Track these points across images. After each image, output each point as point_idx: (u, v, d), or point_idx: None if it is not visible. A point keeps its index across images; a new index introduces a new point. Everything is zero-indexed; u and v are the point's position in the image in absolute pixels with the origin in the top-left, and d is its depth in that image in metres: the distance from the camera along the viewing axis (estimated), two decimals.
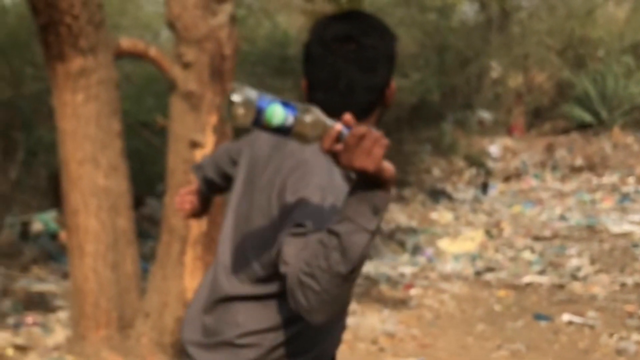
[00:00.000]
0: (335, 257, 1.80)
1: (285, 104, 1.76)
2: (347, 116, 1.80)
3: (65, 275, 8.26)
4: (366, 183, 1.83)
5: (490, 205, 14.04)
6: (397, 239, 11.96)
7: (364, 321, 7.66)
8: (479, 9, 17.89)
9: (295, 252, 1.92)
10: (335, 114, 1.89)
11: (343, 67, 2.09)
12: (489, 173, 15.56)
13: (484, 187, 15.08)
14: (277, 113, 1.74)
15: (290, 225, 1.98)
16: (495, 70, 18.09)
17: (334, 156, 1.80)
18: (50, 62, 5.58)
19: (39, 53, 9.42)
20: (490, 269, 10.01)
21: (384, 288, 9.19)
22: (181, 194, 2.77)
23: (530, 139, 17.81)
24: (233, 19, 6.10)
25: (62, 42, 5.37)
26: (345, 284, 1.83)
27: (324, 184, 2.06)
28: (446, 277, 9.73)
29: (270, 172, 2.19)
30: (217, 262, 2.33)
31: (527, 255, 10.66)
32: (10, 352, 6.35)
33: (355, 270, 1.82)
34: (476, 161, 15.67)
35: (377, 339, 7.24)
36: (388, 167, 1.82)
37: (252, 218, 2.20)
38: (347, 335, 7.20)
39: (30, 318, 7.23)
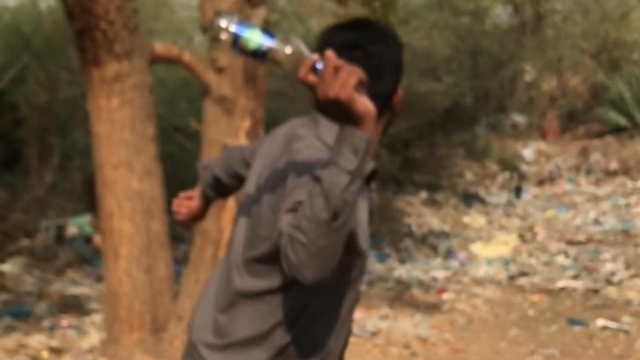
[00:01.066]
0: (318, 204, 1.81)
1: (266, 32, 1.82)
2: (329, 52, 1.82)
3: (99, 279, 8.32)
4: (345, 121, 1.84)
5: (523, 209, 13.95)
6: (429, 243, 11.94)
7: (396, 325, 7.65)
8: (512, 12, 17.80)
9: (288, 220, 1.93)
10: (340, 120, 1.94)
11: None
12: (522, 177, 15.46)
13: (518, 191, 14.99)
14: (255, 38, 1.79)
15: (288, 205, 1.98)
16: (529, 73, 17.98)
17: (310, 88, 1.83)
18: (85, 67, 5.63)
19: (75, 58, 9.51)
20: (523, 274, 9.96)
21: (416, 292, 9.17)
22: (180, 197, 2.78)
23: (564, 143, 17.68)
24: (266, 24, 6.13)
25: (97, 47, 5.43)
26: (331, 234, 1.82)
27: None
28: (479, 282, 9.69)
29: (278, 170, 2.20)
30: (230, 261, 2.35)
31: (561, 259, 10.59)
32: (45, 354, 6.42)
33: (338, 216, 1.81)
34: (509, 165, 15.58)
35: (410, 343, 7.23)
36: (364, 100, 1.83)
37: (262, 215, 2.21)
38: (379, 340, 7.21)
39: (65, 321, 7.29)
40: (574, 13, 18.07)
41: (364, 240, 2.11)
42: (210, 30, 1.86)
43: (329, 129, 2.14)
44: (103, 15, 5.32)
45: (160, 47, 6.13)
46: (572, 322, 7.87)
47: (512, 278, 9.81)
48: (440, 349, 7.15)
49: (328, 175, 1.82)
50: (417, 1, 16.95)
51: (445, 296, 8.96)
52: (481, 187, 15.33)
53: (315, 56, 1.83)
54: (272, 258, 2.13)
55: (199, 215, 2.79)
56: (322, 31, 2.28)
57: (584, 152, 16.60)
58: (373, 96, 2.04)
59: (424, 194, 14.49)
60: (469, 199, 14.53)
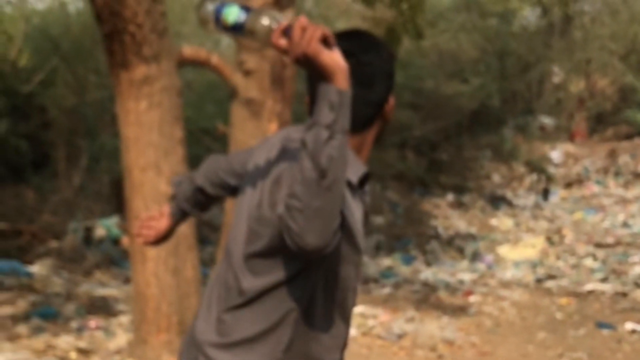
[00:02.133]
0: (306, 165, 1.88)
1: (244, 8, 1.95)
2: (302, 19, 1.89)
3: (127, 280, 8.38)
4: (318, 79, 1.90)
5: (551, 212, 13.88)
6: (456, 245, 11.91)
7: (422, 328, 7.63)
8: (541, 14, 17.71)
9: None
10: None
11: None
12: (550, 179, 15.38)
13: (545, 193, 14.92)
14: (232, 12, 1.94)
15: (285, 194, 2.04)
16: (557, 75, 17.89)
17: (283, 53, 1.92)
18: (114, 70, 5.66)
19: (103, 61, 9.55)
20: (551, 276, 9.91)
21: (443, 295, 9.15)
22: (142, 218, 2.76)
23: (592, 145, 17.57)
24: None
25: (126, 50, 5.45)
26: (323, 193, 1.88)
27: None
28: (506, 284, 9.65)
29: (276, 174, 2.24)
30: (230, 264, 2.36)
31: (589, 262, 10.53)
32: (73, 355, 6.46)
33: (326, 173, 1.87)
34: (537, 167, 15.51)
35: (436, 346, 7.21)
36: (331, 53, 1.88)
37: (262, 217, 2.23)
38: (405, 342, 7.20)
39: (93, 322, 7.34)
40: (603, 14, 17.96)
41: (360, 239, 2.17)
42: (197, 14, 2.00)
43: None
44: (131, 19, 5.34)
45: (188, 50, 6.15)
46: (601, 325, 7.81)
47: (539, 281, 9.77)
48: (467, 351, 7.13)
49: (310, 136, 1.89)
50: (445, 3, 16.94)
51: (472, 299, 8.94)
52: (508, 189, 15.26)
53: (284, 22, 1.91)
54: (271, 252, 2.19)
55: (166, 236, 2.77)
56: None
57: (613, 154, 16.48)
58: (365, 104, 2.20)
59: (450, 196, 14.46)
60: (496, 201, 14.48)
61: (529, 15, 17.76)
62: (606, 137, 18.15)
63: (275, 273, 2.21)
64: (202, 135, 11.38)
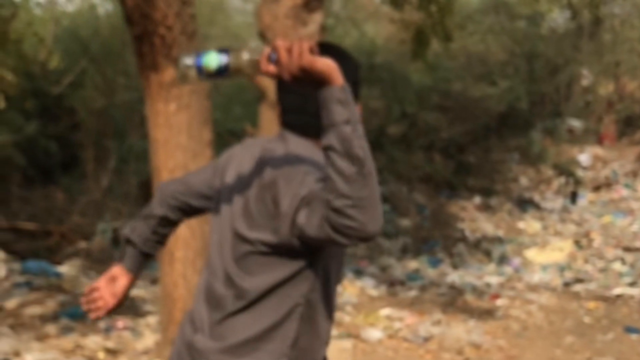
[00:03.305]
0: (343, 165, 1.96)
1: (221, 50, 1.98)
2: (278, 41, 1.99)
3: (154, 281, 8.42)
4: (316, 88, 2.00)
5: (579, 215, 13.79)
6: (483, 248, 11.87)
7: (449, 331, 7.61)
8: (570, 16, 17.61)
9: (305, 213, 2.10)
10: (308, 135, 2.31)
11: (312, 93, 2.20)
12: (578, 182, 15.28)
13: (573, 197, 14.82)
14: (212, 59, 1.96)
15: (295, 204, 2.14)
16: (586, 77, 17.76)
17: (276, 77, 2.02)
18: (143, 72, 5.69)
19: (131, 63, 9.59)
20: (579, 280, 9.85)
21: (470, 298, 9.12)
22: (88, 291, 2.77)
23: (621, 148, 17.42)
24: (323, 29, 6.15)
25: (155, 53, 5.48)
26: (367, 179, 1.97)
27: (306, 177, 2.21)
28: (534, 288, 9.61)
29: (263, 186, 2.30)
30: (215, 273, 2.42)
31: (617, 266, 10.46)
32: (101, 355, 6.51)
33: (363, 161, 1.97)
34: (565, 170, 15.41)
35: (463, 349, 7.19)
36: (321, 59, 1.98)
37: (254, 222, 2.31)
38: (432, 345, 7.19)
39: (120, 322, 7.38)
40: (632, 17, 17.80)
41: None
42: (177, 72, 2.02)
43: (296, 144, 2.34)
44: (161, 21, 5.37)
45: None
46: (629, 329, 7.76)
47: (567, 285, 9.72)
48: (494, 355, 7.11)
49: (333, 138, 1.97)
50: (473, 5, 16.89)
51: (499, 302, 8.90)
52: (536, 193, 15.17)
53: (266, 49, 1.99)
54: (275, 250, 2.27)
55: (124, 298, 2.79)
56: None
57: None
58: None
59: (477, 199, 14.40)
60: (524, 204, 14.41)
61: (558, 18, 17.65)
62: (635, 140, 17.99)
63: (280, 270, 2.28)
64: (229, 137, 11.41)
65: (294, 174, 2.22)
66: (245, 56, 1.97)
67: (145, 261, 2.75)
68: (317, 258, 2.28)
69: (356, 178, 1.95)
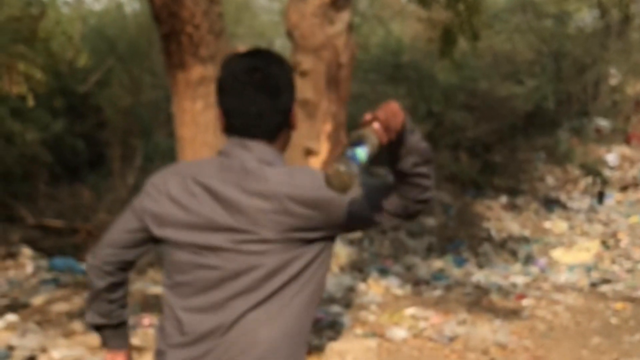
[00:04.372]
0: (424, 170, 2.25)
1: (354, 144, 2.09)
2: (380, 113, 2.10)
3: None
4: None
5: (606, 215, 13.69)
6: (508, 248, 11.81)
7: (474, 331, 7.59)
8: (598, 15, 17.49)
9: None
10: (250, 137, 2.40)
11: (252, 94, 2.41)
12: (605, 182, 15.16)
13: (600, 197, 14.71)
14: (361, 153, 2.08)
15: (346, 207, 2.32)
16: (614, 77, 17.63)
17: (396, 138, 2.16)
18: (171, 71, 5.71)
19: (158, 62, 9.62)
20: (606, 281, 9.79)
21: (495, 298, 9.08)
22: None
23: None
24: (350, 27, 6.14)
25: (183, 51, 5.50)
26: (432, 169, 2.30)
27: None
28: (560, 288, 9.56)
29: (261, 201, 2.33)
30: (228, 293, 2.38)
31: None
32: None
33: (431, 158, 2.26)
34: (592, 170, 15.31)
35: (488, 349, 7.16)
36: (401, 111, 2.13)
37: (241, 245, 2.33)
38: (457, 345, 7.17)
39: (146, 319, 7.42)
40: None
41: None
42: (336, 179, 2.07)
43: (261, 150, 2.42)
44: (189, 19, 5.39)
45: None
46: None
47: (594, 285, 9.66)
48: (520, 356, 7.08)
49: (415, 156, 2.21)
50: (500, 4, 16.81)
51: (525, 302, 8.86)
52: (563, 192, 15.08)
53: (375, 125, 2.11)
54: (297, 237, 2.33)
55: None
56: (225, 60, 2.52)
57: None
58: (275, 112, 2.46)
59: (504, 198, 14.34)
60: (550, 204, 14.32)
61: (585, 17, 17.54)
62: None
63: (300, 258, 2.34)
64: None
65: (301, 174, 2.36)
66: (373, 140, 2.10)
67: (125, 328, 2.80)
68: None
69: (431, 171, 2.27)
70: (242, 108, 2.42)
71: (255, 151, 2.40)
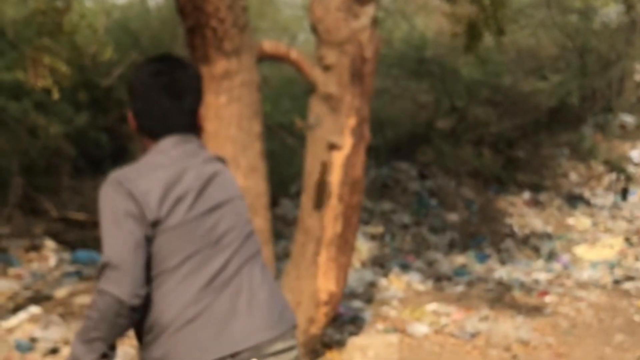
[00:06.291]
0: None
1: None
2: None
3: None
4: None
5: (630, 212, 13.60)
6: (531, 244, 11.76)
7: (496, 327, 7.56)
8: (623, 10, 17.35)
9: None
10: (157, 138, 2.62)
11: (156, 97, 2.60)
12: (629, 178, 15.06)
13: (624, 193, 14.61)
14: None
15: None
16: (639, 72, 17.51)
17: None
18: (195, 64, 5.71)
19: (180, 55, 9.58)
20: (630, 278, 9.72)
21: (518, 294, 9.05)
22: None
23: None
24: (374, 22, 6.13)
25: (207, 45, 5.50)
26: None
27: None
28: (583, 285, 9.50)
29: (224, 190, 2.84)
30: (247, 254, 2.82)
31: None
32: None
33: None
34: (616, 166, 15.20)
35: (511, 346, 7.14)
36: None
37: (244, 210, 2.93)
38: (479, 341, 7.14)
39: None
40: None
41: None
42: None
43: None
44: (214, 13, 5.39)
45: (268, 44, 6.17)
46: None
47: (617, 282, 9.59)
48: (542, 352, 7.05)
49: None
50: None
51: (548, 299, 8.82)
52: (586, 189, 14.99)
53: None
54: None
55: None
56: (135, 65, 2.74)
57: None
58: (187, 113, 2.65)
59: (526, 194, 14.27)
60: (574, 200, 14.24)
61: (611, 12, 17.41)
62: None
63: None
64: (278, 130, 11.43)
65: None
66: None
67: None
68: None
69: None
70: (148, 110, 2.63)
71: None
